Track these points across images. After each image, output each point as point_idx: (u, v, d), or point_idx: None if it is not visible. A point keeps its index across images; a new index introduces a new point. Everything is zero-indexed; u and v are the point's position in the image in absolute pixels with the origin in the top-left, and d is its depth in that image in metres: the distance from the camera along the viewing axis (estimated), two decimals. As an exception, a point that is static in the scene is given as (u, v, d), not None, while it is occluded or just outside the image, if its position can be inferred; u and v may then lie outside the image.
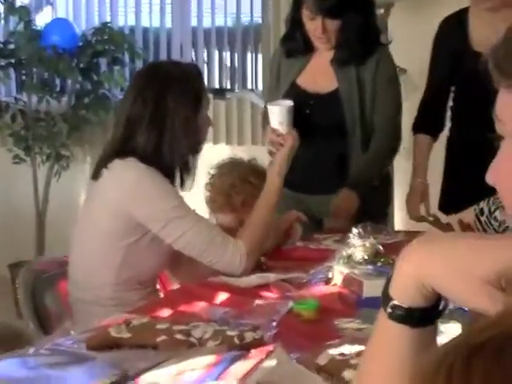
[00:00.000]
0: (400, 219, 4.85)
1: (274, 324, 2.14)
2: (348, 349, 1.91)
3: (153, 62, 4.95)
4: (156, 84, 2.70)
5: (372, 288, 2.33)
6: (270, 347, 1.72)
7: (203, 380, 1.58)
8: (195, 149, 2.79)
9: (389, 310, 1.13)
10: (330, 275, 2.63)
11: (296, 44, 3.58)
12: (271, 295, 2.50)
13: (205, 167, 3.10)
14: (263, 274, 2.74)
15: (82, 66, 5.29)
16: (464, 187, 3.41)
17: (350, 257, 2.65)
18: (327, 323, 2.22)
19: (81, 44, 5.30)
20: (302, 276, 2.70)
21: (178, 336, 2.01)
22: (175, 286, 2.92)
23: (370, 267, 2.49)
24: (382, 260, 2.64)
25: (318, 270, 2.69)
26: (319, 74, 3.58)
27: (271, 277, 2.71)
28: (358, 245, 2.68)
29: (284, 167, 2.93)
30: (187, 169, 2.80)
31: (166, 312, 2.35)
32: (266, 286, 2.60)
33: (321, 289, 2.58)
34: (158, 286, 2.92)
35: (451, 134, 3.71)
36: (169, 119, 2.67)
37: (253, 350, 1.73)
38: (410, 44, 4.87)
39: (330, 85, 3.53)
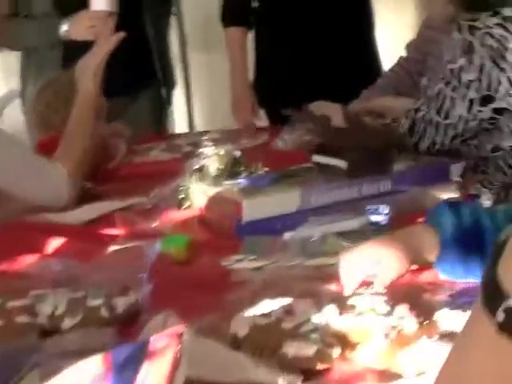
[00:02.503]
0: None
1: (145, 277, 1.48)
2: (268, 306, 1.29)
3: None
4: None
5: (254, 208, 1.72)
6: (175, 331, 1.08)
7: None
8: None
9: (501, 317, 0.56)
10: (180, 196, 1.98)
11: None
12: (119, 232, 1.82)
13: None
14: (94, 204, 2.06)
15: None
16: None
17: (202, 170, 2.01)
18: (212, 265, 1.59)
19: None
20: (143, 200, 2.03)
21: (20, 319, 1.31)
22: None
23: (242, 181, 1.86)
24: (243, 169, 2.02)
25: (163, 191, 2.03)
26: None
27: (105, 206, 2.04)
28: (210, 154, 2.04)
29: (101, 69, 2.17)
30: None
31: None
32: (106, 220, 1.92)
33: (175, 215, 1.93)
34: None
35: (258, 15, 3.04)
36: None
37: (152, 339, 1.08)
38: None
39: None
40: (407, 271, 1.39)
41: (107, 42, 2.18)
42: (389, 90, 2.67)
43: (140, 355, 1.04)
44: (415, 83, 2.64)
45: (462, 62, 1.91)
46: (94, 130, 2.27)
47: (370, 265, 1.37)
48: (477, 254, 1.36)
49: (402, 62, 2.70)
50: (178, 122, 4.43)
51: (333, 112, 2.03)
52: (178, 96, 4.22)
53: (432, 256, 1.39)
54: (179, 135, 2.97)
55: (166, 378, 0.96)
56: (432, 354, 1.08)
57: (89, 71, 2.14)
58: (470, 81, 1.91)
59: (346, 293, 1.36)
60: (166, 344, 1.05)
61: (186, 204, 1.97)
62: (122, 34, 2.22)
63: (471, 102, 1.92)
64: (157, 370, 0.99)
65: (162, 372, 0.98)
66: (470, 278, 1.37)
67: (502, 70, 1.88)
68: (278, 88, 2.94)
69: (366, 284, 1.37)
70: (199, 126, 4.31)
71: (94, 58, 2.16)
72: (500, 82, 1.88)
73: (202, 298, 1.42)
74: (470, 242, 1.36)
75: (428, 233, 1.40)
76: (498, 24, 1.90)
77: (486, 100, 1.91)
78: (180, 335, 1.07)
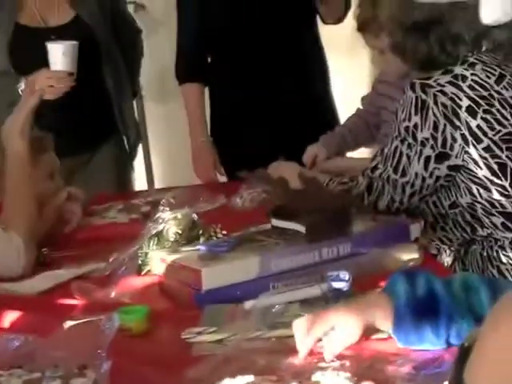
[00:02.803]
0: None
1: (104, 354, 1.44)
2: (230, 384, 1.27)
3: None
4: None
5: (213, 277, 1.69)
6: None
7: None
8: None
9: None
10: (139, 261, 1.95)
11: None
12: (76, 303, 1.79)
13: None
14: (50, 273, 2.02)
15: None
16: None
17: (160, 235, 1.98)
18: (172, 338, 1.56)
19: None
20: (101, 267, 2.00)
21: (-26, 406, 1.27)
22: None
23: (201, 247, 1.83)
24: (201, 232, 1.99)
25: (121, 257, 1.99)
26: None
27: (61, 274, 2.00)
28: (168, 218, 2.01)
29: (28, 124, 2.12)
30: None
31: None
32: (63, 289, 1.88)
33: (135, 282, 1.90)
34: None
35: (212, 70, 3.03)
36: None
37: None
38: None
39: None
40: (359, 338, 1.38)
41: (32, 96, 2.14)
42: (348, 139, 2.68)
43: None
44: (372, 135, 2.66)
45: (416, 119, 1.92)
46: (48, 190, 2.25)
47: (322, 330, 1.36)
48: (431, 322, 1.35)
49: (360, 113, 2.72)
50: (137, 176, 4.41)
51: (290, 174, 2.02)
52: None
53: (387, 324, 1.38)
54: (137, 193, 2.94)
55: None
56: None
57: (15, 130, 2.09)
58: (425, 138, 1.91)
59: (301, 355, 1.36)
60: None
61: (145, 270, 1.94)
62: (42, 90, 2.22)
63: (427, 159, 1.93)
64: None
65: None
66: (425, 346, 1.36)
67: (457, 127, 1.89)
68: (234, 143, 2.93)
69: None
70: (158, 179, 4.29)
71: (19, 114, 2.11)
72: (455, 139, 1.89)
73: (162, 376, 1.39)
74: (424, 310, 1.36)
75: (383, 301, 1.39)
76: (449, 82, 1.91)
77: (442, 157, 1.92)
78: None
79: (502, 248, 1.95)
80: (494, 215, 1.93)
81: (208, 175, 2.91)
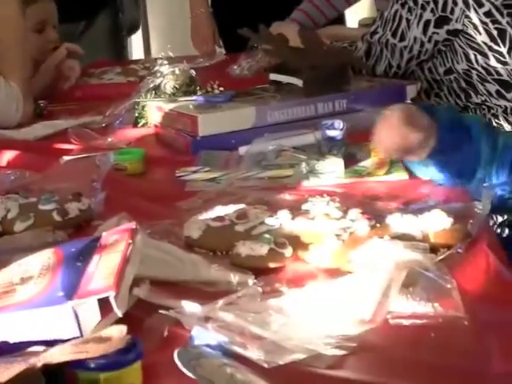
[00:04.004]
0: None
1: (98, 186, 1.45)
2: (221, 211, 1.28)
3: None
4: None
5: (209, 124, 1.69)
6: (125, 227, 1.06)
7: (50, 300, 0.90)
8: None
9: None
10: (136, 114, 1.95)
11: None
12: (73, 147, 1.79)
13: None
14: (48, 122, 2.02)
15: None
16: None
17: (158, 88, 1.97)
18: (166, 176, 1.57)
19: None
20: (98, 119, 2.00)
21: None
22: None
23: (198, 98, 1.83)
24: (199, 88, 1.99)
25: (118, 109, 1.99)
26: None
27: (60, 124, 2.00)
28: (166, 72, 2.00)
29: None
30: None
31: None
32: (60, 136, 1.89)
33: (131, 132, 1.90)
34: None
35: None
36: None
37: (104, 234, 1.05)
38: None
39: None
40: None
41: None
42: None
43: (91, 248, 1.01)
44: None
45: None
46: (36, 43, 2.24)
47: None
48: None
49: None
50: (134, 49, 4.35)
51: (291, 33, 2.00)
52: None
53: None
54: (135, 61, 2.92)
55: (116, 270, 0.94)
56: (382, 252, 1.07)
57: None
58: (426, 2, 1.89)
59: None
60: (117, 238, 1.03)
61: (142, 122, 1.94)
62: None
63: (427, 23, 1.91)
64: (107, 262, 0.97)
65: (111, 264, 0.96)
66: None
67: None
68: (234, 13, 2.88)
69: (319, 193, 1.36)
70: (155, 52, 4.24)
71: None
72: (456, 2, 1.86)
73: (155, 206, 1.40)
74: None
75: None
76: None
77: (442, 21, 1.90)
78: (132, 231, 1.05)
79: (495, 116, 1.95)
80: (490, 82, 1.92)
81: (206, 46, 2.86)
